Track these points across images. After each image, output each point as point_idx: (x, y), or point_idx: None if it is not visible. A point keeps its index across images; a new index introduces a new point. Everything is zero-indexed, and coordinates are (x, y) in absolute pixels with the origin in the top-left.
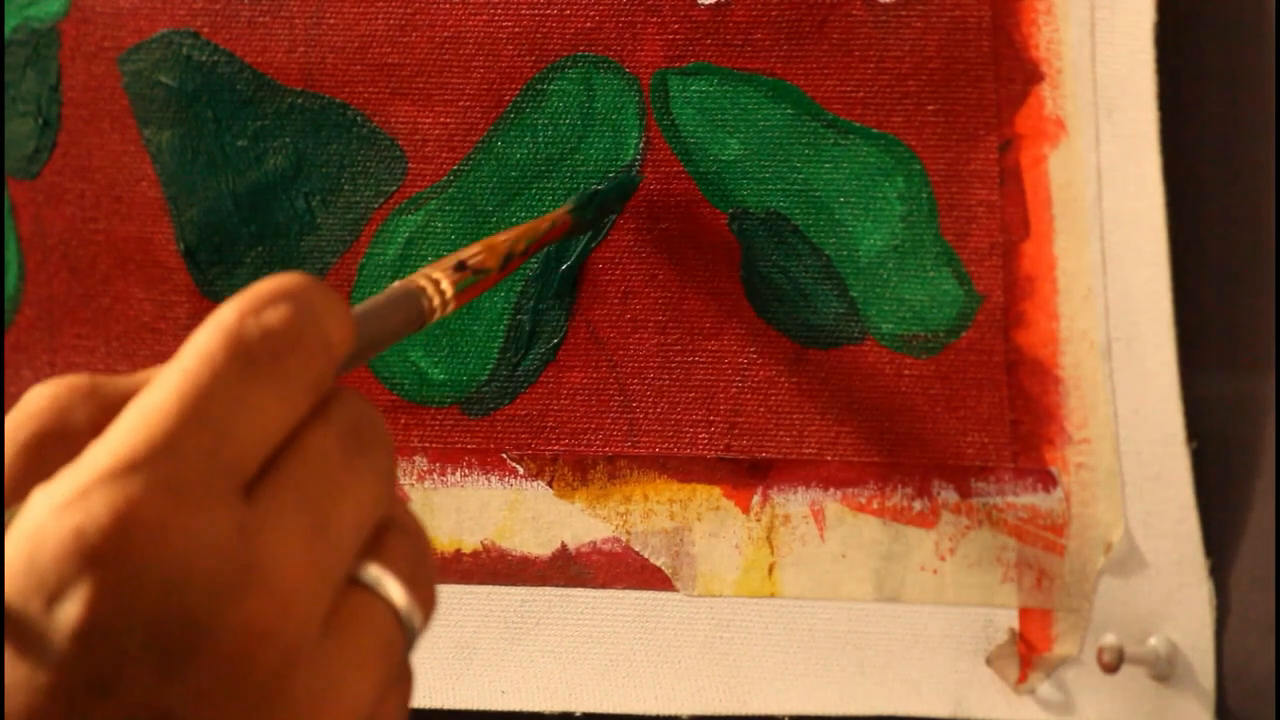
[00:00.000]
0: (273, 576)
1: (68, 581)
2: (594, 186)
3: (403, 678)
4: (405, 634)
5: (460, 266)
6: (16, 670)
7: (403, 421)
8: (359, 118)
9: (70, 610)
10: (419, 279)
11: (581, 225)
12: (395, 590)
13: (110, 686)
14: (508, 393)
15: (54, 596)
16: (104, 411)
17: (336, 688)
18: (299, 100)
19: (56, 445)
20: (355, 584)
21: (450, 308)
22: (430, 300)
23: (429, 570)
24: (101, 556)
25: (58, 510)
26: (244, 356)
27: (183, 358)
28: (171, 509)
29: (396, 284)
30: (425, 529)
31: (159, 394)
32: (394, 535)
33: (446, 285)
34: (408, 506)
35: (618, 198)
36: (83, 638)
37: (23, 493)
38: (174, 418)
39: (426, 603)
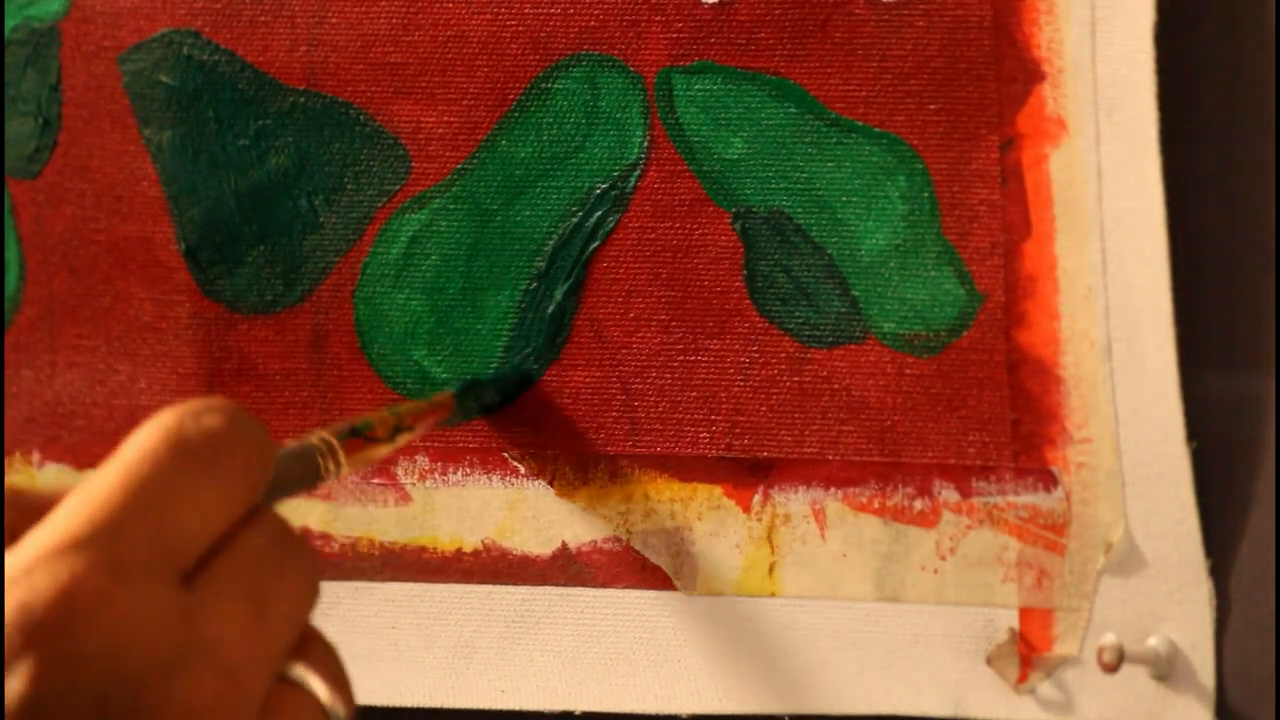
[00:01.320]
0: (215, 656)
1: (12, 656)
2: (476, 378)
3: None
4: None
5: (352, 433)
6: None
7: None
8: (361, 117)
9: (14, 685)
10: (314, 440)
11: (462, 410)
12: (321, 688)
13: None
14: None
15: None
16: (23, 518)
17: None
18: (301, 99)
19: None
20: (283, 681)
21: (344, 472)
22: (325, 461)
23: (345, 676)
24: (45, 631)
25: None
26: (184, 452)
27: (125, 452)
28: (114, 586)
29: (291, 443)
30: (335, 645)
31: (102, 482)
32: (314, 643)
33: (338, 449)
34: (317, 626)
35: (498, 391)
36: (26, 713)
37: None
38: (117, 504)
39: (348, 703)
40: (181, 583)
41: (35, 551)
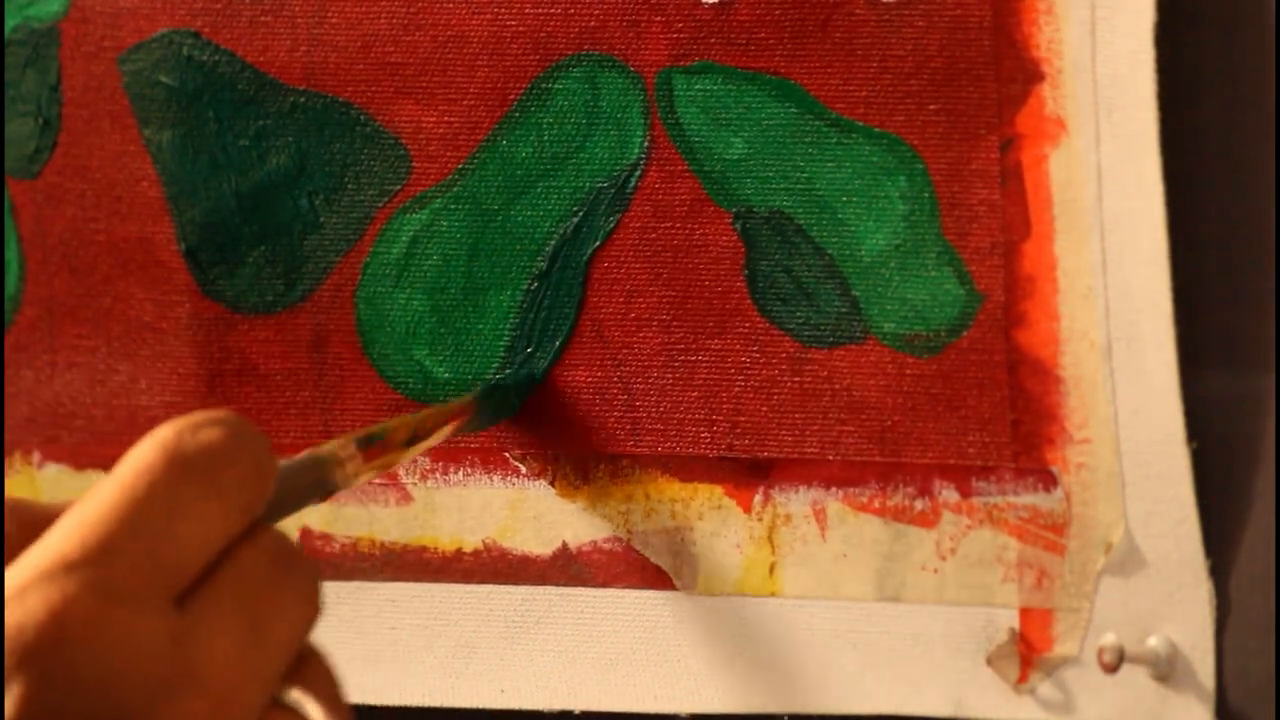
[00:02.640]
0: (207, 680)
1: (2, 677)
2: (497, 379)
3: None
4: None
5: (367, 441)
6: None
7: None
8: (362, 117)
9: (4, 707)
10: (328, 450)
11: (483, 414)
12: (316, 712)
13: None
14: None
15: None
16: (23, 531)
17: None
18: (301, 99)
19: None
20: (278, 706)
21: (360, 480)
22: (338, 470)
23: (343, 699)
24: (36, 653)
25: None
26: (182, 468)
27: (121, 469)
28: (107, 610)
29: (306, 452)
30: (334, 665)
31: (98, 501)
32: (311, 663)
33: (354, 457)
34: (318, 644)
35: (517, 394)
36: None
37: None
38: (112, 523)
39: None
40: (176, 604)
41: (29, 573)
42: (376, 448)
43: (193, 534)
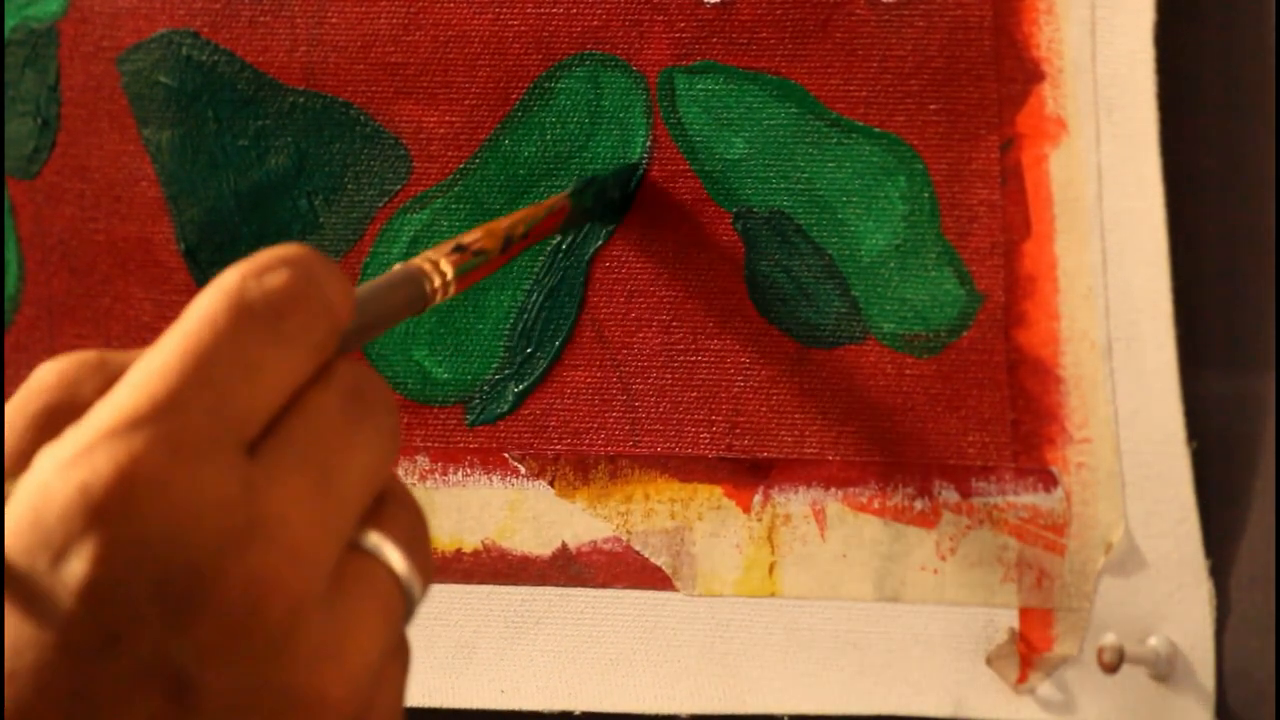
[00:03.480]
0: (278, 529)
1: (73, 538)
2: (595, 175)
3: (402, 650)
4: (405, 602)
5: (460, 249)
6: (24, 629)
7: (406, 421)
8: (362, 117)
9: (76, 567)
10: (420, 262)
11: (581, 211)
12: (396, 557)
13: (118, 641)
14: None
15: (60, 553)
16: (112, 385)
17: (342, 644)
18: (301, 100)
19: (66, 418)
20: (356, 549)
21: (451, 291)
22: (431, 282)
23: (426, 541)
24: (106, 512)
25: (62, 468)
26: (246, 316)
27: (185, 319)
28: (175, 464)
29: (398, 266)
30: (420, 504)
31: (162, 354)
32: (392, 506)
33: (447, 268)
34: (403, 482)
35: (617, 184)
36: (89, 594)
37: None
38: (176, 375)
39: (425, 572)
40: (245, 453)
41: (95, 431)
42: (469, 254)
43: (260, 382)
